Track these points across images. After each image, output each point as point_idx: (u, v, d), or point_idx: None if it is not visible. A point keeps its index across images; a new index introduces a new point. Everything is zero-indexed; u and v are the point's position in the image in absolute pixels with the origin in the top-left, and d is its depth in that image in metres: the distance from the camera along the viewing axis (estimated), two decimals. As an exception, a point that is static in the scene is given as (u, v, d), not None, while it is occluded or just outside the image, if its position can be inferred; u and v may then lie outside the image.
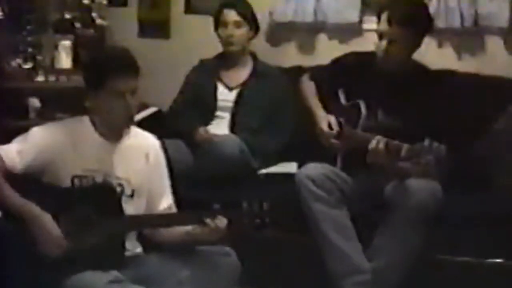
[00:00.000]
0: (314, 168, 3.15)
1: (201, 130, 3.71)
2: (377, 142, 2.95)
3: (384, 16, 3.18)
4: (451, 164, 2.72)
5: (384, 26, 3.17)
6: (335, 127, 3.27)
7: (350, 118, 3.24)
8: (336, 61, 3.52)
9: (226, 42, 3.85)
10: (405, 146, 2.83)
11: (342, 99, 3.36)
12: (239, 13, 3.82)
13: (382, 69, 3.24)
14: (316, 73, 3.60)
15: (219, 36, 3.87)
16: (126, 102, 2.59)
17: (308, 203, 3.10)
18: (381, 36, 3.19)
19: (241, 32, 3.83)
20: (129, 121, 2.68)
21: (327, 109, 3.36)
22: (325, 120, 3.30)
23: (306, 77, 3.58)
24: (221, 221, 2.56)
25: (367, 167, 3.03)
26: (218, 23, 3.87)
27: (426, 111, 3.11)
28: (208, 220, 2.55)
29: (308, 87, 3.52)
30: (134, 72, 2.61)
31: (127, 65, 2.60)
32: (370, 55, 3.27)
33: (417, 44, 3.23)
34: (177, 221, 2.70)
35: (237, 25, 3.82)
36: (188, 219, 2.65)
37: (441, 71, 3.58)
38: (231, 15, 3.82)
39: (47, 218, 2.47)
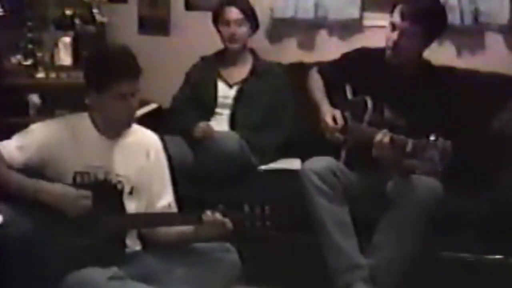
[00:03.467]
0: (319, 162, 3.15)
1: (201, 124, 3.71)
2: (382, 135, 2.95)
3: (398, 9, 3.18)
4: (456, 161, 2.72)
5: (396, 18, 3.18)
6: (340, 121, 3.27)
7: (356, 113, 3.25)
8: (345, 56, 3.53)
9: (228, 40, 3.84)
10: (410, 141, 2.83)
11: (349, 94, 3.37)
12: (241, 11, 3.81)
13: (390, 65, 3.24)
14: (324, 67, 3.60)
15: (220, 33, 3.87)
16: (128, 104, 2.60)
17: (311, 197, 3.10)
18: (393, 28, 3.19)
19: (243, 30, 3.83)
20: (130, 122, 2.69)
21: (334, 104, 3.37)
22: (330, 114, 3.30)
23: (314, 71, 3.59)
24: (218, 217, 2.56)
25: (370, 162, 3.03)
26: (219, 20, 3.87)
27: (432, 107, 3.11)
28: (205, 216, 2.55)
29: (316, 81, 3.53)
30: (137, 75, 2.62)
31: (130, 68, 2.60)
32: (379, 51, 3.28)
33: (429, 41, 3.23)
34: (178, 221, 2.70)
35: (239, 23, 3.81)
36: (188, 219, 2.65)
37: (447, 68, 3.58)
38: (234, 13, 3.81)
39: (60, 185, 2.53)
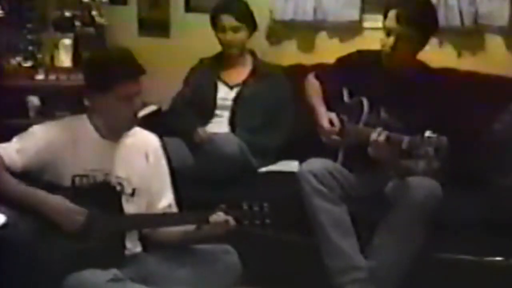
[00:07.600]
0: (316, 163, 3.15)
1: (199, 130, 3.71)
2: (378, 133, 2.95)
3: (392, 13, 3.18)
4: (451, 158, 2.71)
5: (392, 23, 3.18)
6: (337, 124, 3.28)
7: (352, 115, 3.26)
8: (341, 60, 3.53)
9: (225, 46, 3.84)
10: (406, 138, 2.83)
11: (346, 97, 3.38)
12: (237, 19, 3.79)
13: (386, 67, 3.25)
14: (321, 72, 3.61)
15: (217, 38, 3.86)
16: (132, 105, 2.60)
17: (309, 198, 3.10)
18: (388, 33, 3.20)
19: (240, 36, 3.82)
20: (133, 123, 2.69)
21: (331, 107, 3.38)
22: (326, 117, 3.31)
23: (312, 76, 3.59)
24: (221, 217, 2.56)
25: (368, 163, 3.04)
26: (216, 26, 3.85)
27: (428, 109, 3.11)
28: (212, 218, 2.55)
29: (313, 85, 3.54)
30: (140, 75, 2.61)
31: (134, 69, 2.59)
32: (375, 53, 3.29)
33: (423, 43, 3.24)
34: (177, 221, 2.70)
35: (235, 30, 3.80)
36: (188, 219, 2.65)
37: (443, 70, 3.58)
38: (230, 21, 3.79)
39: (58, 198, 2.50)
